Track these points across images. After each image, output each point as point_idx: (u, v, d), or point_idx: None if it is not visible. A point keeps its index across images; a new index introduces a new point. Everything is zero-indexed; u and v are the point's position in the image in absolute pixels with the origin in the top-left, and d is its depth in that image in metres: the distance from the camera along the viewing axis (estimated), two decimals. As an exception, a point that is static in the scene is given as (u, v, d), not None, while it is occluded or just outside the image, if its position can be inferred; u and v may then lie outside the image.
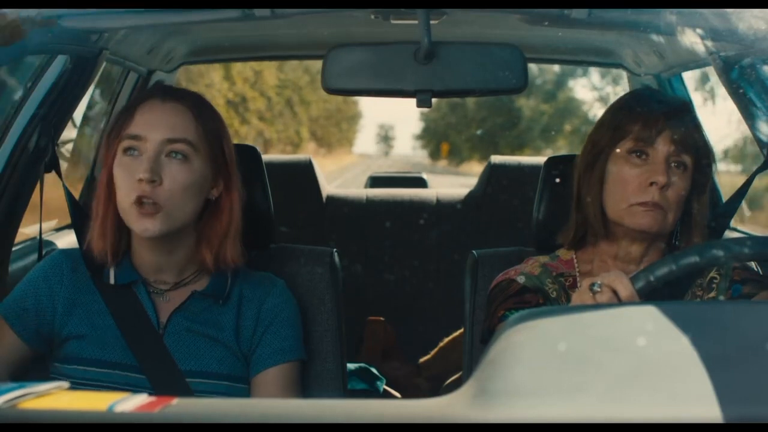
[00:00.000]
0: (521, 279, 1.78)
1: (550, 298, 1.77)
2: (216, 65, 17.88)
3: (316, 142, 33.99)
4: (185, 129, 1.66)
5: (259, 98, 22.49)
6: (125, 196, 1.64)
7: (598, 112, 26.13)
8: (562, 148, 27.24)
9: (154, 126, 1.65)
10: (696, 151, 1.73)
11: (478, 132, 32.75)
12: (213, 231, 1.71)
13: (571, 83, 29.55)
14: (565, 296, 1.78)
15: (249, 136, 20.57)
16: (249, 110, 21.52)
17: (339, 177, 22.46)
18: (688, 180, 1.72)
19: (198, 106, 1.70)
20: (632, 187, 1.70)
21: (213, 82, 19.11)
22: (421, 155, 47.68)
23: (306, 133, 30.54)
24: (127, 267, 1.73)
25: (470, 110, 34.20)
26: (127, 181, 1.64)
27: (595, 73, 28.72)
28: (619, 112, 1.77)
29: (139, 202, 1.62)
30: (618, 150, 1.73)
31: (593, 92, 29.64)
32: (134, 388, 1.67)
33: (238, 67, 20.02)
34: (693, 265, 1.44)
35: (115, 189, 1.66)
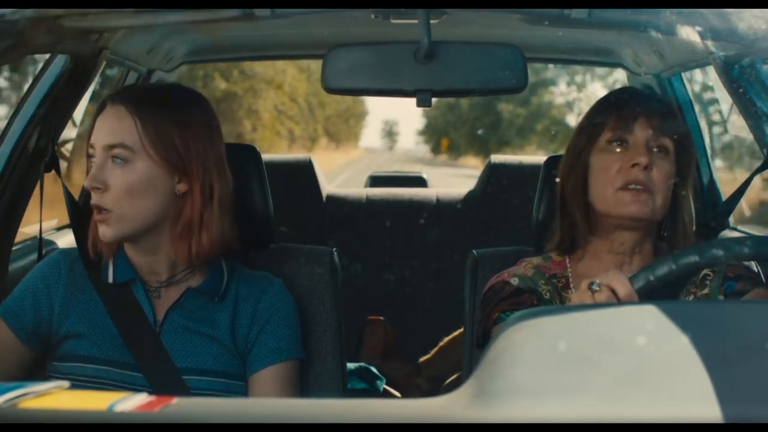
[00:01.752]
0: (515, 281, 1.78)
1: (543, 299, 1.76)
2: (271, 83, 24.98)
3: (328, 137, 40.97)
4: (122, 133, 1.66)
5: (293, 105, 29.23)
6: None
7: (566, 115, 33.76)
8: (535, 144, 32.75)
9: (98, 133, 1.68)
10: (676, 135, 1.73)
11: (480, 132, 37.38)
12: (179, 227, 1.70)
13: (542, 90, 33.99)
14: (559, 298, 1.77)
15: (284, 134, 27.57)
16: (286, 114, 28.07)
17: (348, 169, 27.03)
18: (671, 164, 1.72)
19: (143, 106, 1.67)
20: (614, 172, 1.70)
21: (269, 96, 25.59)
22: (424, 150, 53.48)
23: (321, 130, 37.56)
24: (124, 265, 1.74)
25: (464, 111, 39.84)
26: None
27: (563, 82, 34.69)
28: (594, 111, 1.78)
29: (95, 209, 1.66)
30: (597, 144, 1.74)
31: (560, 97, 35.01)
32: (131, 385, 1.68)
33: (284, 87, 26.96)
34: (693, 264, 1.44)
35: None
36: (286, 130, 28.27)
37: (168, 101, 1.72)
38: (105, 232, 1.66)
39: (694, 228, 1.78)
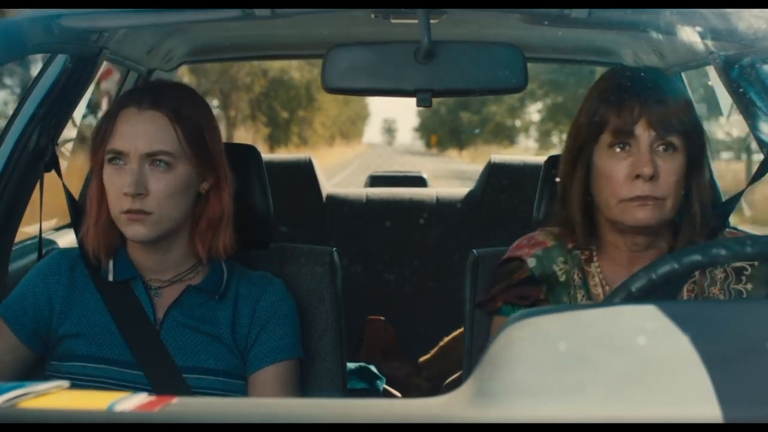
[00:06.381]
0: (532, 263, 1.74)
1: (556, 285, 1.72)
2: (321, 110, 37.45)
3: (341, 136, 56.22)
4: (164, 140, 1.67)
5: (328, 119, 44.33)
6: (115, 206, 1.68)
7: (506, 120, 46.00)
8: (486, 141, 45.47)
9: (133, 139, 1.66)
10: (684, 128, 1.62)
11: (476, 131, 48.42)
12: (205, 223, 1.73)
13: (489, 103, 44.48)
14: (580, 273, 1.72)
15: (321, 136, 40.97)
16: (324, 125, 42.86)
17: (358, 157, 36.57)
18: (680, 161, 1.62)
19: (177, 109, 1.69)
20: (618, 182, 1.61)
21: (319, 117, 38.81)
22: (419, 144, 68.13)
23: (337, 131, 53.20)
24: (125, 263, 1.74)
25: (443, 115, 52.78)
26: (115, 193, 1.67)
27: (506, 98, 44.64)
28: (595, 103, 1.66)
29: (128, 211, 1.66)
30: (599, 144, 1.65)
31: (502, 106, 44.24)
32: (131, 384, 1.68)
33: (326, 110, 39.93)
34: (695, 263, 1.43)
35: (106, 195, 1.69)
36: (323, 133, 42.56)
37: (196, 103, 1.75)
38: (140, 231, 1.66)
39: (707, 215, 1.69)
